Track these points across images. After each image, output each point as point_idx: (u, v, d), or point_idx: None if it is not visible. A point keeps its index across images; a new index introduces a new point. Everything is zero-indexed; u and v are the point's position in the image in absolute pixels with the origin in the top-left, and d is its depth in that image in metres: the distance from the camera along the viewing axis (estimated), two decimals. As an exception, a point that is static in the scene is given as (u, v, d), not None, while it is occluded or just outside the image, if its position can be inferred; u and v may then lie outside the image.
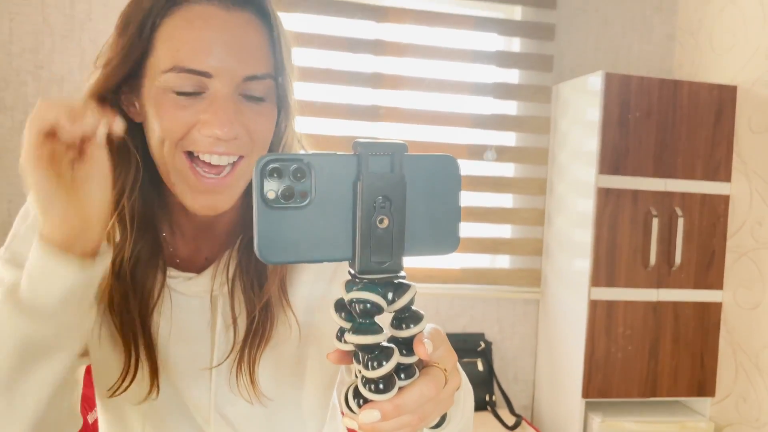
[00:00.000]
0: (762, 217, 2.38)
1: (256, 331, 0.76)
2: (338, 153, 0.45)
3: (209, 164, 0.68)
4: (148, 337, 0.74)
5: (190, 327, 0.78)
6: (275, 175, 0.43)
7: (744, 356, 2.44)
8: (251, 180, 0.72)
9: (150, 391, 0.74)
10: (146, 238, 0.73)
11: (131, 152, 0.72)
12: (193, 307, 0.77)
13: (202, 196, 0.69)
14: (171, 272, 0.77)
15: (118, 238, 0.72)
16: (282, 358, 0.80)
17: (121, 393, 0.74)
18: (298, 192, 0.44)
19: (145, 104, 0.69)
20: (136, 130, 0.72)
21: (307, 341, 0.81)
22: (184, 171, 0.68)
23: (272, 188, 0.43)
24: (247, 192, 0.76)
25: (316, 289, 0.81)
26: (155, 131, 0.68)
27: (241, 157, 0.70)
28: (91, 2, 2.47)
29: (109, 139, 0.71)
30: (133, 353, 0.73)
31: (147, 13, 0.66)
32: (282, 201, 0.44)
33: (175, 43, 0.65)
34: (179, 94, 0.66)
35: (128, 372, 0.73)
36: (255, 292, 0.76)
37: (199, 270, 0.79)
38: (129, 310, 0.72)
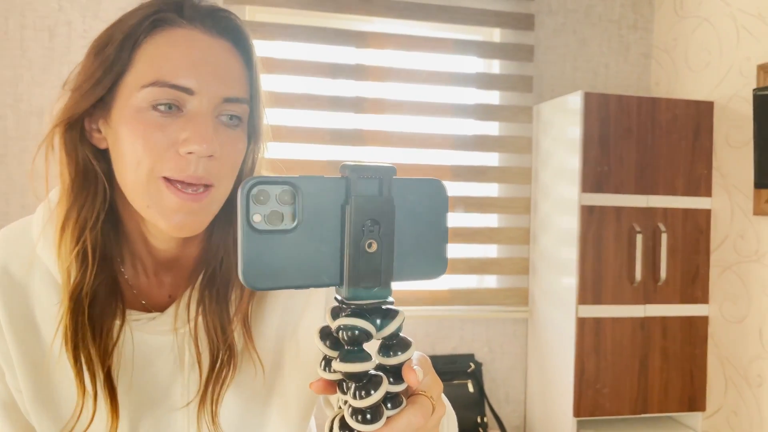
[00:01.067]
0: (743, 230, 2.41)
1: (219, 371, 0.74)
2: (326, 176, 0.44)
3: (185, 183, 0.67)
4: (107, 375, 0.71)
5: (156, 368, 0.76)
6: (261, 199, 0.42)
7: (732, 370, 2.45)
8: (224, 206, 0.72)
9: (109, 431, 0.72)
10: (105, 273, 0.72)
11: (99, 179, 0.71)
12: (157, 347, 0.76)
13: (177, 216, 0.67)
14: (134, 315, 0.75)
15: (77, 271, 0.70)
16: (251, 395, 0.79)
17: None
18: (285, 215, 0.43)
19: (116, 125, 0.67)
20: (101, 156, 0.71)
21: (277, 377, 0.80)
22: (160, 191, 0.66)
23: (258, 212, 0.42)
24: (214, 226, 0.75)
25: (286, 323, 0.80)
26: (128, 153, 0.66)
27: (211, 186, 0.69)
28: (69, 35, 2.46)
29: (78, 163, 0.70)
30: (90, 390, 0.70)
31: (130, 32, 0.66)
32: (268, 225, 0.42)
33: (158, 59, 0.65)
34: (157, 109, 0.65)
35: (83, 408, 0.70)
36: (217, 332, 0.74)
37: (162, 309, 0.77)
38: (86, 347, 0.70)
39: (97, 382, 0.71)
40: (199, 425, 0.75)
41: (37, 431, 0.75)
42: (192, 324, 0.75)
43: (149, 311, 0.77)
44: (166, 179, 0.66)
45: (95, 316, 0.71)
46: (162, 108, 0.65)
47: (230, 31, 0.71)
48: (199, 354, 0.75)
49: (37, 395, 0.74)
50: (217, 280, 0.75)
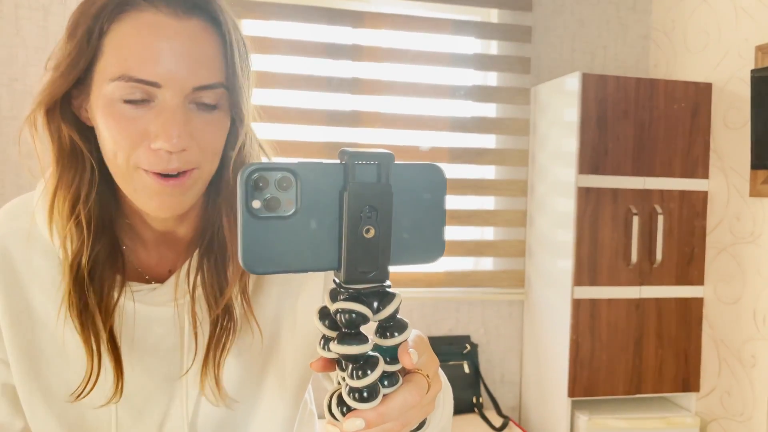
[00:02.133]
0: (739, 212, 2.42)
1: (219, 336, 0.76)
2: (324, 162, 0.44)
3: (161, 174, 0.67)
4: (110, 337, 0.73)
5: (158, 337, 0.78)
6: (260, 185, 0.43)
7: (727, 351, 2.47)
8: (212, 181, 0.72)
9: (115, 392, 0.73)
10: (103, 242, 0.73)
11: (86, 157, 0.71)
12: (158, 318, 0.77)
13: (160, 198, 0.68)
14: (135, 286, 0.76)
15: (74, 242, 0.71)
16: (248, 364, 0.80)
17: (86, 395, 0.73)
18: (284, 202, 0.43)
19: (94, 112, 0.68)
20: (90, 133, 0.71)
21: (274, 349, 0.81)
22: (141, 177, 0.67)
23: (257, 198, 0.43)
24: (206, 200, 0.76)
25: (283, 302, 0.81)
26: (107, 142, 0.67)
27: (191, 169, 0.69)
28: (64, 14, 2.44)
29: (62, 143, 0.70)
30: (95, 351, 0.72)
31: (95, 19, 0.64)
32: (267, 211, 0.43)
33: (123, 51, 0.64)
34: (127, 102, 0.65)
35: (92, 371, 0.72)
36: (216, 297, 0.76)
37: (163, 281, 0.78)
38: (89, 309, 0.71)
39: (102, 345, 0.72)
40: (203, 389, 0.77)
41: (26, 409, 0.77)
42: (192, 293, 0.76)
43: (151, 284, 0.78)
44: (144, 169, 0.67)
45: (95, 281, 0.72)
46: (131, 99, 0.65)
47: (200, 7, 0.67)
48: (195, 320, 0.76)
49: (30, 374, 0.76)
50: (214, 248, 0.76)
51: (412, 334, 0.52)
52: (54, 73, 0.68)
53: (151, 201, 0.68)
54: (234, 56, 0.69)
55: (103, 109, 0.66)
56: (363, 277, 0.46)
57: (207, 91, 0.67)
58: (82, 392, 0.73)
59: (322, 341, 0.50)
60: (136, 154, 0.66)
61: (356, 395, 0.47)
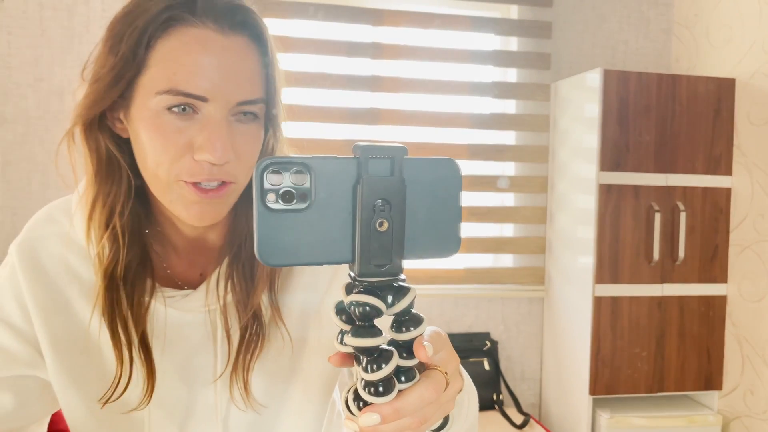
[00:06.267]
0: (764, 209, 2.38)
1: (249, 341, 0.77)
2: (338, 156, 0.45)
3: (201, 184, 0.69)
4: (142, 341, 0.74)
5: (190, 342, 0.79)
6: (275, 178, 0.44)
7: (750, 349, 2.44)
8: (244, 190, 0.74)
9: (145, 396, 0.74)
10: (135, 250, 0.74)
11: (123, 168, 0.72)
12: (190, 323, 0.79)
13: (197, 206, 0.69)
14: (168, 291, 0.77)
15: (108, 251, 0.72)
16: (276, 368, 0.81)
17: (115, 399, 0.74)
18: (298, 195, 0.44)
19: (135, 124, 0.68)
20: (124, 145, 0.72)
21: (301, 352, 0.82)
22: (180, 188, 0.68)
23: (272, 191, 0.43)
24: (237, 208, 0.77)
25: (310, 300, 0.82)
26: (149, 153, 0.68)
27: (230, 183, 0.70)
28: (88, 15, 2.48)
29: (100, 155, 0.71)
30: (126, 354, 0.73)
31: (142, 33, 0.65)
32: (282, 204, 0.44)
33: (171, 65, 0.65)
34: (172, 112, 0.66)
35: (122, 374, 0.73)
36: (245, 304, 0.77)
37: (195, 286, 0.80)
38: (121, 314, 0.73)
39: (133, 349, 0.74)
40: (231, 394, 0.78)
41: (63, 405, 0.78)
42: (222, 299, 0.77)
43: (183, 289, 0.79)
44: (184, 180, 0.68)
45: (128, 288, 0.74)
46: (177, 110, 0.66)
47: (246, 26, 0.69)
48: (228, 327, 0.78)
49: (66, 371, 0.77)
50: (242, 256, 0.78)
51: (429, 330, 0.52)
52: (94, 87, 0.68)
53: (188, 211, 0.70)
54: (274, 73, 0.72)
55: (147, 120, 0.67)
56: (377, 271, 0.46)
57: (250, 105, 0.69)
58: (111, 396, 0.74)
59: (339, 336, 0.51)
60: (178, 165, 0.67)
61: (371, 389, 0.48)
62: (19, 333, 0.76)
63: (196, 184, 0.68)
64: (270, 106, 0.72)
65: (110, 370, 0.76)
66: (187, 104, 0.66)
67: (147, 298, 0.76)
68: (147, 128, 0.67)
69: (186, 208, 0.70)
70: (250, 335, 0.77)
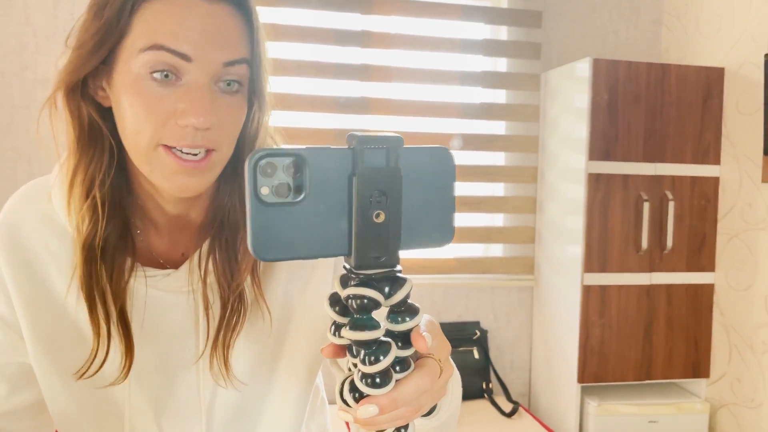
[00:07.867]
0: (752, 198, 2.40)
1: (230, 318, 0.77)
2: (333, 147, 0.44)
3: (184, 152, 0.68)
4: (120, 317, 0.74)
5: (171, 322, 0.78)
6: (269, 171, 0.42)
7: (737, 337, 2.46)
8: (227, 165, 0.73)
9: (122, 370, 0.74)
10: (115, 223, 0.74)
11: (105, 137, 0.71)
12: (172, 303, 0.78)
13: (178, 177, 0.68)
14: (149, 271, 0.77)
15: (88, 223, 0.72)
16: (258, 348, 0.81)
17: (92, 374, 0.74)
18: (293, 187, 0.43)
19: (117, 90, 0.68)
20: (107, 113, 0.71)
21: (285, 336, 0.82)
22: (160, 156, 0.68)
23: (265, 184, 0.42)
24: (217, 184, 0.77)
25: (293, 287, 0.82)
26: (129, 120, 0.67)
27: (212, 150, 0.70)
28: (73, 2, 2.44)
29: (82, 122, 0.70)
30: (104, 327, 0.73)
31: None
32: (275, 197, 0.43)
33: (155, 24, 0.65)
34: (155, 78, 0.65)
35: (98, 348, 0.73)
36: (229, 282, 0.76)
37: (177, 266, 0.79)
38: (99, 288, 0.72)
39: (111, 323, 0.73)
40: (212, 370, 0.78)
41: (44, 389, 0.78)
42: (204, 278, 0.77)
43: (165, 269, 0.79)
44: (166, 146, 0.67)
45: (107, 261, 0.73)
46: (159, 76, 0.65)
47: None
48: (207, 303, 0.77)
49: (44, 351, 0.76)
50: (225, 232, 0.77)
51: (424, 319, 0.52)
52: (77, 52, 0.68)
53: (168, 181, 0.69)
54: (258, 40, 0.72)
55: (129, 86, 0.66)
56: (374, 262, 0.45)
57: (235, 66, 0.69)
58: (87, 370, 0.73)
59: (333, 327, 0.50)
60: (161, 132, 0.66)
61: (369, 381, 0.47)
62: (2, 319, 0.76)
63: (176, 155, 0.67)
64: (255, 69, 0.72)
65: (89, 348, 0.75)
66: (170, 68, 0.65)
67: (126, 275, 0.75)
68: (129, 94, 0.66)
69: (166, 179, 0.69)
70: (231, 311, 0.77)
